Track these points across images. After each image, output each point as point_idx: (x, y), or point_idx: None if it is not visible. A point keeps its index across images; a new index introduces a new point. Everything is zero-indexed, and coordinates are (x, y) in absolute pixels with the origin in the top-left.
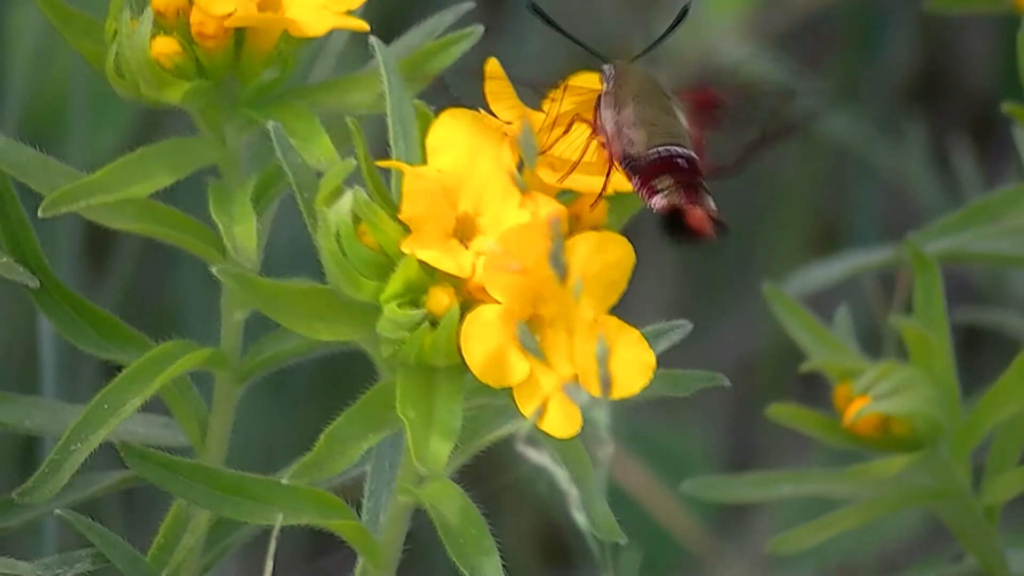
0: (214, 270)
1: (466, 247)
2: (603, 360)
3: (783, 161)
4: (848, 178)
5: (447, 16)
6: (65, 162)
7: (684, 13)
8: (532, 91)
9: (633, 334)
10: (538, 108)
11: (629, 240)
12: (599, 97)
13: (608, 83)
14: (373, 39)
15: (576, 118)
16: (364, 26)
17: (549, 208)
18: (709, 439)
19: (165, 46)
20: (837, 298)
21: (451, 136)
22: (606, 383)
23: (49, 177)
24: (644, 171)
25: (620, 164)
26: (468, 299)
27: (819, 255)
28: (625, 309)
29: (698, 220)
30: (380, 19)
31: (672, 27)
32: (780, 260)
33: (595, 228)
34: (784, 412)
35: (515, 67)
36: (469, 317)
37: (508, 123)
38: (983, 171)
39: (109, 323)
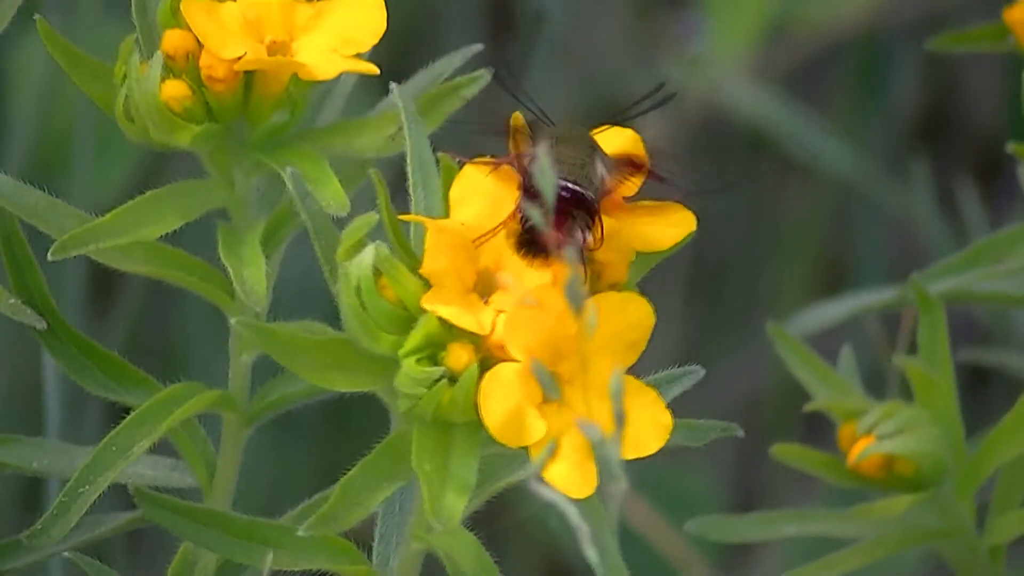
0: (232, 322)
1: (486, 302)
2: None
3: (788, 200)
4: (853, 217)
5: (455, 59)
6: (71, 202)
7: (660, 87)
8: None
9: (650, 395)
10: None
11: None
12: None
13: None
14: (392, 84)
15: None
16: (373, 70)
17: (569, 267)
18: (715, 478)
19: (175, 90)
20: (841, 338)
21: (474, 189)
22: (622, 442)
23: (58, 219)
24: (529, 193)
25: (521, 190)
26: (487, 355)
27: (824, 294)
28: None
29: (547, 239)
30: (388, 62)
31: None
32: (785, 299)
33: (615, 286)
34: (788, 452)
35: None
36: (488, 376)
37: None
38: (988, 211)
39: (116, 364)
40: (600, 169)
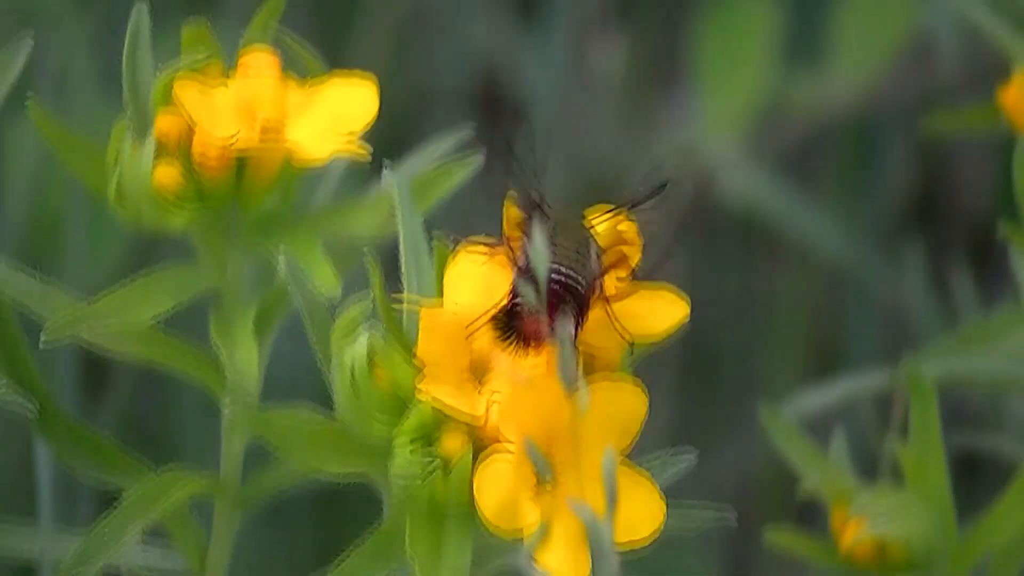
0: (225, 404)
1: (481, 387)
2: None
3: (780, 282)
4: (845, 300)
5: (447, 142)
6: (63, 285)
7: (665, 186)
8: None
9: (644, 481)
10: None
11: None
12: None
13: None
14: (386, 166)
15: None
16: (365, 152)
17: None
18: (707, 559)
19: (167, 173)
20: (834, 421)
21: (469, 273)
22: (615, 529)
23: (49, 303)
24: (520, 276)
25: (512, 271)
26: (481, 440)
27: (816, 377)
28: None
29: (532, 326)
30: (380, 146)
31: (652, 195)
32: (777, 382)
33: (609, 371)
34: (781, 537)
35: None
36: (482, 465)
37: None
38: (981, 294)
39: (108, 450)
40: (594, 260)
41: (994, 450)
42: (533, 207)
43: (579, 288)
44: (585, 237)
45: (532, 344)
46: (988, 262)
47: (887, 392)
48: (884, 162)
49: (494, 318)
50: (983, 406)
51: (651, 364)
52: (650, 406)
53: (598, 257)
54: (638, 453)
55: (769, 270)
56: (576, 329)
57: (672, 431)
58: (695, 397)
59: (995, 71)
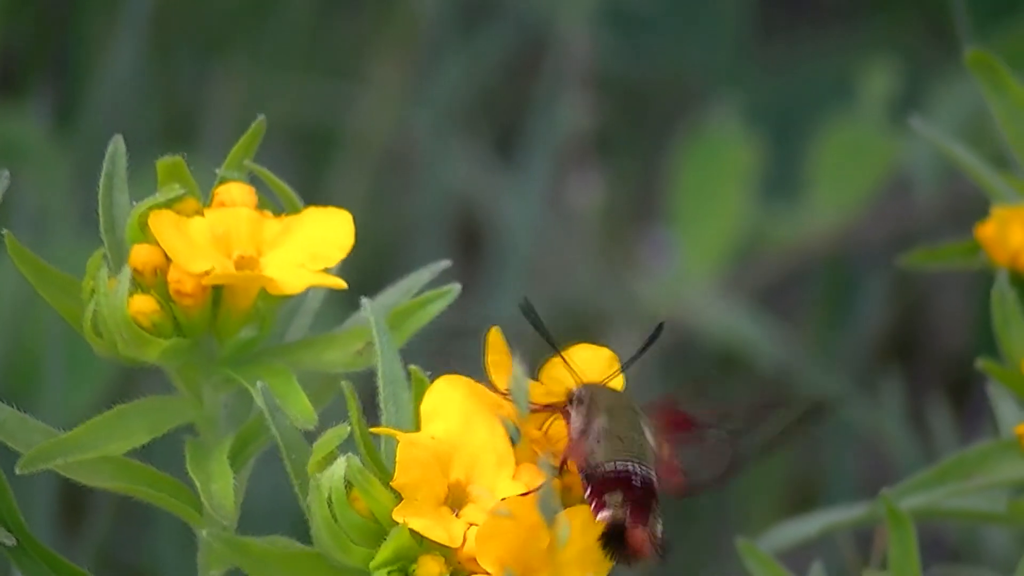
0: (203, 534)
1: (458, 515)
2: None
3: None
4: (823, 434)
5: (424, 275)
6: (41, 418)
7: (660, 329)
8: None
9: None
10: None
11: None
12: (570, 409)
13: (580, 399)
14: (363, 299)
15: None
16: (341, 284)
17: (541, 480)
18: None
19: (143, 304)
20: (812, 554)
21: (446, 403)
22: None
23: (26, 434)
24: (598, 483)
25: (580, 473)
26: (458, 568)
27: (794, 511)
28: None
29: (637, 540)
30: (356, 277)
31: (649, 342)
32: (755, 515)
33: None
34: None
35: (489, 323)
36: None
37: (506, 393)
38: (959, 428)
39: None
40: (650, 437)
41: None
42: (583, 392)
43: (653, 484)
44: (638, 417)
45: (629, 555)
46: (965, 396)
47: (866, 525)
48: (862, 297)
49: (599, 541)
50: (961, 538)
51: None
52: None
53: (653, 435)
54: None
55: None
56: (659, 535)
57: (650, 566)
58: (672, 530)
59: (973, 207)
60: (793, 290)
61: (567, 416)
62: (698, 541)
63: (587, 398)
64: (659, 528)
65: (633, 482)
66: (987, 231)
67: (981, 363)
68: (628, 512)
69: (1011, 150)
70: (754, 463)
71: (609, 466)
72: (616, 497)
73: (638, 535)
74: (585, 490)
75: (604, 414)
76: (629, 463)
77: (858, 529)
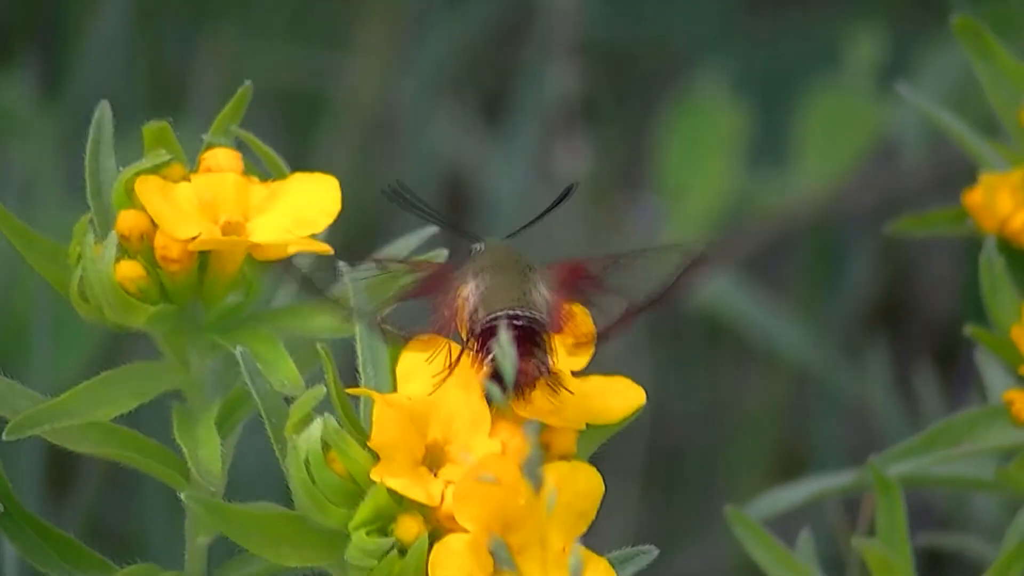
0: (182, 496)
1: (435, 475)
2: None
3: (745, 384)
4: (810, 402)
5: (411, 240)
6: (28, 385)
7: (569, 190)
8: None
9: (601, 564)
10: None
11: (594, 465)
12: (455, 271)
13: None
14: (340, 263)
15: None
16: (328, 249)
17: (518, 438)
18: None
19: (129, 270)
20: (800, 522)
21: (422, 364)
22: None
23: (13, 400)
24: (481, 335)
25: (466, 333)
26: (437, 527)
27: (782, 479)
28: (590, 532)
29: (521, 374)
30: (344, 242)
31: (558, 201)
32: (743, 484)
33: (564, 457)
34: None
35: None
36: (438, 546)
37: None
38: (946, 395)
39: (72, 547)
40: (543, 291)
41: (960, 549)
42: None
43: (538, 325)
44: (528, 272)
45: (526, 383)
46: (952, 363)
47: (853, 492)
48: (849, 264)
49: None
50: (949, 505)
51: (617, 465)
52: (615, 506)
53: (548, 289)
54: (602, 552)
55: (734, 371)
56: (546, 368)
57: (637, 532)
58: (660, 498)
59: (959, 174)
60: (780, 257)
61: (452, 282)
62: (685, 508)
63: (471, 259)
64: (548, 362)
65: (517, 323)
66: (975, 198)
67: (969, 330)
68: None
69: (998, 117)
70: (645, 313)
71: (491, 317)
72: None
73: (522, 368)
74: (470, 349)
75: (486, 272)
76: (511, 309)
77: (846, 496)
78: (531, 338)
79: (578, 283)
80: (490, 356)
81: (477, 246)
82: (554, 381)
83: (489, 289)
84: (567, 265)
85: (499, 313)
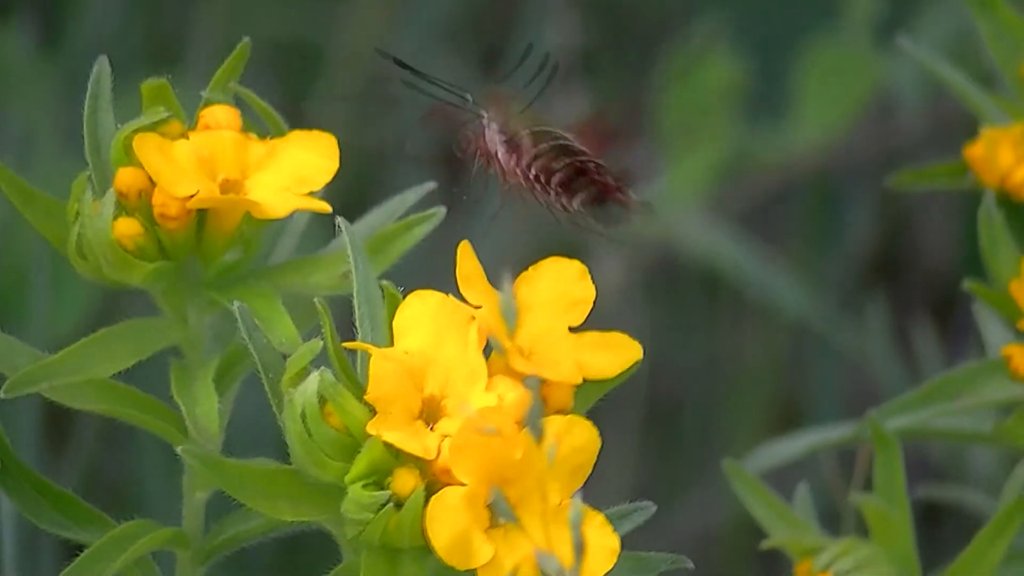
0: (179, 450)
1: (432, 428)
2: (578, 549)
3: (743, 338)
4: (808, 355)
5: (409, 196)
6: (26, 341)
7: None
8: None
9: (597, 518)
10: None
11: (592, 420)
12: (483, 127)
13: (491, 119)
14: (340, 219)
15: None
16: (326, 207)
17: (515, 392)
18: None
19: (127, 227)
20: (797, 475)
21: (418, 318)
22: (572, 567)
23: (11, 357)
24: (562, 180)
25: (528, 179)
26: (433, 480)
27: (779, 432)
28: (587, 485)
29: (620, 197)
30: (342, 200)
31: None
32: (741, 438)
33: (561, 412)
34: None
35: (476, 246)
36: (434, 499)
37: (477, 307)
38: (944, 349)
39: (70, 502)
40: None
41: (958, 502)
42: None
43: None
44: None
45: (627, 205)
46: (950, 317)
47: (851, 446)
48: (847, 218)
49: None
50: (946, 459)
51: (614, 419)
52: (613, 461)
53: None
54: (599, 507)
55: (732, 326)
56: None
57: (635, 486)
58: (658, 452)
59: (959, 127)
60: (778, 210)
61: (476, 137)
62: (683, 462)
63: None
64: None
65: (588, 166)
66: (975, 151)
67: (967, 284)
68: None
69: (998, 71)
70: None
71: (566, 162)
72: (579, 183)
73: (618, 192)
74: (547, 194)
75: (523, 127)
76: (579, 156)
77: (842, 450)
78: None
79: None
80: (583, 195)
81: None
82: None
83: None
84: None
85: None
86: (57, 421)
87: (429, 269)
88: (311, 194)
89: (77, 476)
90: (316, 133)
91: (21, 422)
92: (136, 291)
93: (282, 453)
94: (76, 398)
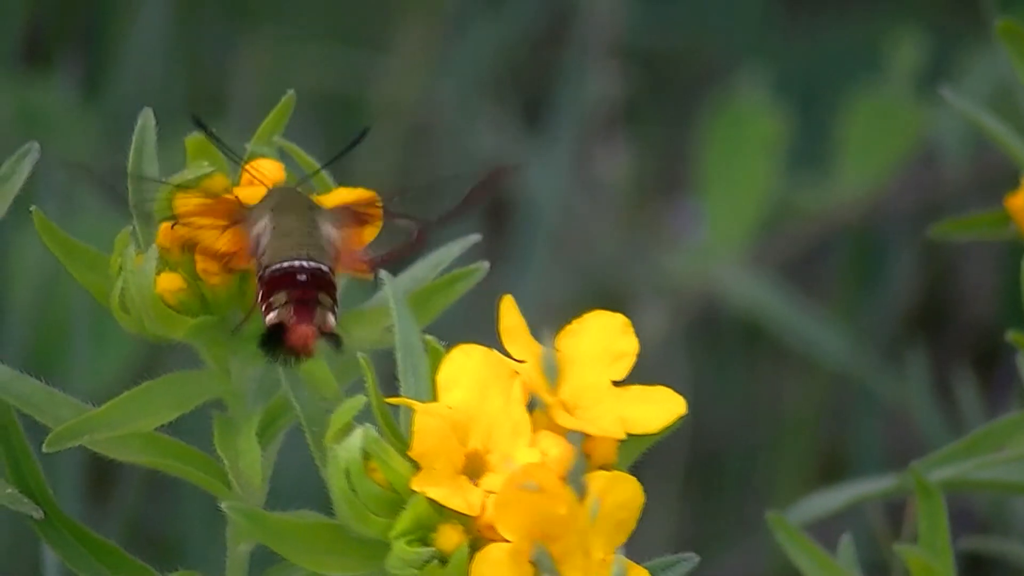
0: (223, 506)
1: (476, 484)
2: None
3: (784, 388)
4: (850, 406)
5: (453, 248)
6: (68, 391)
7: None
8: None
9: (641, 573)
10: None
11: (633, 470)
12: (247, 211)
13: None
14: (382, 272)
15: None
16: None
17: (559, 447)
18: None
19: (170, 283)
20: (841, 527)
21: (462, 372)
22: None
23: (54, 409)
24: (266, 284)
25: (256, 277)
26: (478, 536)
27: (821, 483)
28: (630, 537)
29: (298, 338)
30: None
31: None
32: (782, 488)
33: (605, 467)
34: None
35: (518, 297)
36: (479, 555)
37: (521, 361)
38: (986, 400)
39: (113, 554)
40: (328, 229)
41: (1001, 554)
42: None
43: (326, 276)
44: (312, 210)
45: (291, 355)
46: (993, 368)
47: (894, 497)
48: (889, 268)
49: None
50: (989, 510)
51: (656, 470)
52: (655, 512)
53: (334, 226)
54: (642, 558)
55: (774, 376)
56: (331, 324)
57: (677, 537)
58: (700, 503)
59: (1002, 177)
60: (819, 261)
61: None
62: (725, 513)
63: (262, 199)
64: (331, 320)
65: (299, 277)
66: (1017, 201)
67: (1010, 335)
68: (292, 311)
69: None
70: (438, 229)
71: (275, 264)
72: (280, 296)
73: (299, 332)
74: (257, 295)
75: (271, 212)
76: (294, 259)
77: (888, 501)
78: (315, 291)
79: (366, 213)
80: (273, 312)
81: (267, 190)
82: (334, 340)
83: (275, 230)
84: (354, 197)
85: (283, 264)
86: (100, 471)
87: (470, 319)
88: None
89: (120, 527)
90: (359, 190)
91: (64, 472)
92: (179, 343)
93: (326, 506)
94: (119, 450)
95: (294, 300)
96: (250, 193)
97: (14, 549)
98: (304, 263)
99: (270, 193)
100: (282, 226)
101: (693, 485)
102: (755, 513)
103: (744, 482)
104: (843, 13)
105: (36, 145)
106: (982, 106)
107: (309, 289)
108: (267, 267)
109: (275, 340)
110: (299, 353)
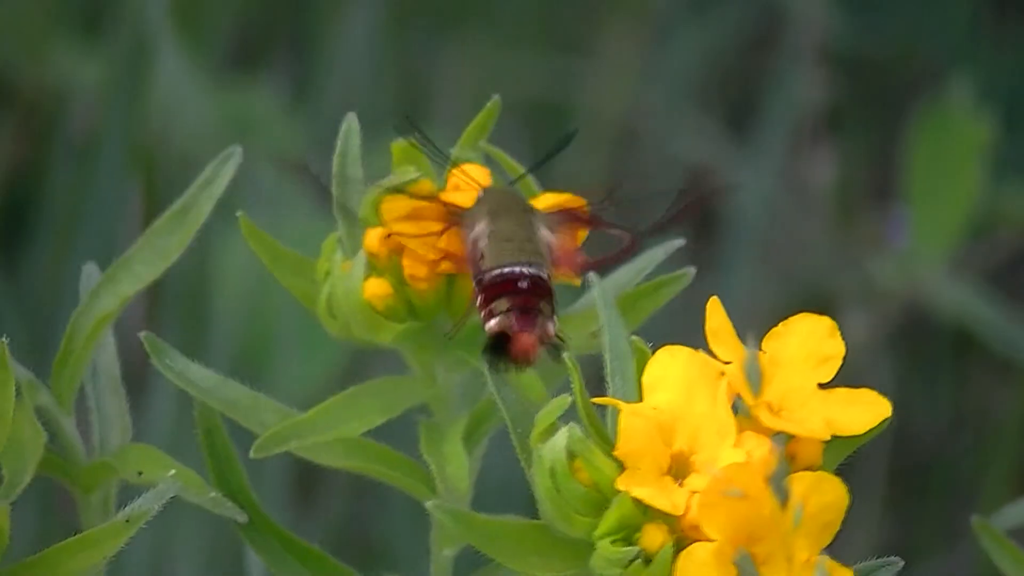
0: (428, 506)
1: (680, 485)
2: None
3: (992, 395)
4: None
5: (658, 253)
6: (274, 396)
7: (570, 137)
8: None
9: (845, 575)
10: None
11: (838, 475)
12: (463, 215)
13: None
14: (592, 275)
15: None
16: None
17: (764, 448)
18: None
19: (377, 288)
20: None
21: (668, 374)
22: None
23: (259, 414)
24: (486, 290)
25: (473, 282)
26: (682, 536)
27: None
28: (834, 543)
29: (522, 347)
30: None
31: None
32: (989, 494)
33: (810, 468)
34: None
35: (724, 302)
36: (683, 555)
37: (727, 362)
38: None
39: (317, 558)
40: (544, 234)
41: None
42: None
43: (544, 282)
44: (528, 213)
45: (514, 364)
46: None
47: None
48: None
49: (482, 353)
50: None
51: (860, 476)
52: (859, 518)
53: (549, 230)
54: (845, 563)
55: (979, 382)
56: (551, 331)
57: (881, 543)
58: (905, 510)
59: None
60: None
61: (465, 226)
62: (930, 520)
63: (475, 204)
64: (551, 327)
65: (520, 284)
66: None
67: None
68: (514, 319)
69: None
70: (650, 239)
71: (495, 271)
72: (502, 303)
73: (522, 340)
74: (476, 300)
75: (488, 216)
76: (515, 265)
77: None
78: (536, 299)
79: (579, 217)
80: (494, 320)
81: (480, 192)
82: (555, 348)
83: (494, 234)
84: (561, 202)
85: (504, 270)
86: (305, 475)
87: (675, 326)
88: None
89: (324, 531)
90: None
91: (269, 477)
92: (384, 348)
93: (530, 510)
94: (324, 455)
95: (516, 308)
96: (459, 198)
97: (215, 555)
98: (524, 269)
99: (484, 196)
100: (501, 230)
101: (897, 492)
102: (960, 520)
103: (950, 489)
104: None
105: (239, 148)
106: None
107: (530, 297)
108: (486, 272)
109: (498, 349)
110: (521, 362)
